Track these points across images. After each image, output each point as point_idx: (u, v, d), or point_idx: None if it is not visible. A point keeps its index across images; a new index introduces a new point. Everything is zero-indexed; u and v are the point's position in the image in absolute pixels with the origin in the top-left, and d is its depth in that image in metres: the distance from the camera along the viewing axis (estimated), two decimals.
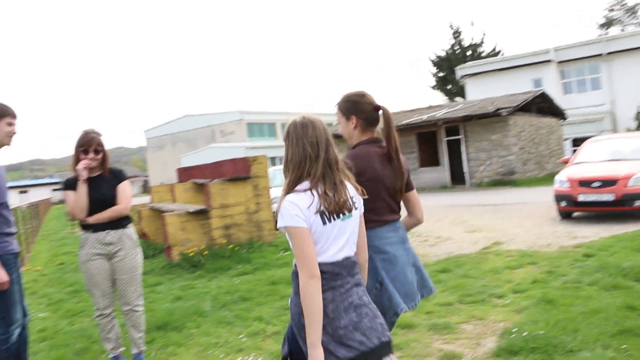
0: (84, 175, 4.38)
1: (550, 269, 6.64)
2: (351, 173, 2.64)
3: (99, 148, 4.47)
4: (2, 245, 3.85)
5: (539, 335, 4.21)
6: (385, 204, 3.01)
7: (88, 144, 4.43)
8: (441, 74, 48.69)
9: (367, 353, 2.36)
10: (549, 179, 21.12)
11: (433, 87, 50.13)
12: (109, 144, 4.68)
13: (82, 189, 4.38)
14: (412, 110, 28.94)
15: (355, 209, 2.54)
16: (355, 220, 2.54)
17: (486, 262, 7.44)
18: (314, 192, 2.41)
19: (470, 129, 23.70)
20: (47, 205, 41.55)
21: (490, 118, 22.83)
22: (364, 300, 2.48)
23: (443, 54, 48.41)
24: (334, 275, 2.42)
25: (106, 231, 4.43)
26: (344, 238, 2.48)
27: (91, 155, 4.42)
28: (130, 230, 4.59)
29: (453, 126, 24.19)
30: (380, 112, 3.05)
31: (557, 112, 28.25)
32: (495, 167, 23.25)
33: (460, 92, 43.29)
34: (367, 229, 2.77)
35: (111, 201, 4.46)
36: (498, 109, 22.11)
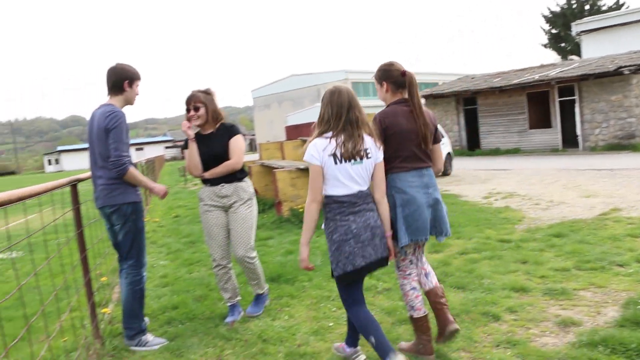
0: (189, 134, 4.57)
1: None
2: (376, 130, 3.45)
3: (197, 105, 4.60)
4: (137, 194, 4.27)
5: None
6: (411, 153, 3.55)
7: (188, 102, 4.62)
8: (554, 31, 45.88)
9: (376, 262, 3.29)
10: None
11: (545, 45, 47.42)
12: (218, 103, 4.75)
13: (191, 147, 4.58)
14: (523, 70, 27.62)
15: (368, 158, 3.30)
16: (366, 166, 3.30)
17: (604, 229, 7.07)
18: (333, 140, 3.24)
19: (587, 89, 22.26)
20: (161, 161, 43.86)
21: (609, 77, 21.31)
22: (377, 223, 3.32)
23: (557, 9, 45.49)
24: (352, 204, 3.25)
25: (221, 184, 4.62)
26: (357, 177, 3.27)
27: (191, 113, 4.59)
28: (245, 183, 4.71)
29: (567, 86, 22.82)
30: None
31: None
32: (612, 130, 21.80)
33: (576, 50, 40.62)
34: (394, 173, 3.53)
35: (223, 156, 4.59)
36: (619, 67, 20.57)
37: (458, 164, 19.99)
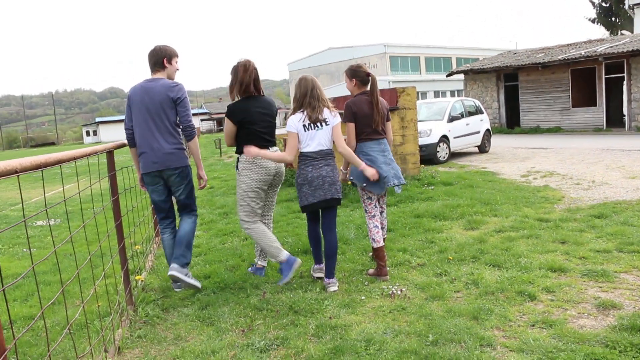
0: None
1: None
2: (347, 113, 4.88)
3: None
4: (187, 158, 4.83)
5: None
6: (371, 129, 4.92)
7: None
8: (605, 4, 44.13)
9: (323, 201, 4.56)
10: None
11: (592, 21, 45.69)
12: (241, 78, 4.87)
13: None
14: (568, 45, 26.73)
15: (327, 125, 4.63)
16: (326, 130, 4.63)
17: None
18: (303, 113, 4.59)
19: (638, 66, 21.37)
20: (197, 133, 44.17)
21: None
22: (329, 174, 4.58)
23: None
24: (313, 158, 4.58)
25: None
26: (318, 139, 4.59)
27: None
28: (238, 158, 4.93)
29: (616, 63, 22.01)
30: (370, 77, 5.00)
31: None
32: None
33: (628, 26, 39.00)
34: (361, 142, 4.91)
35: None
36: None
37: (496, 141, 19.61)
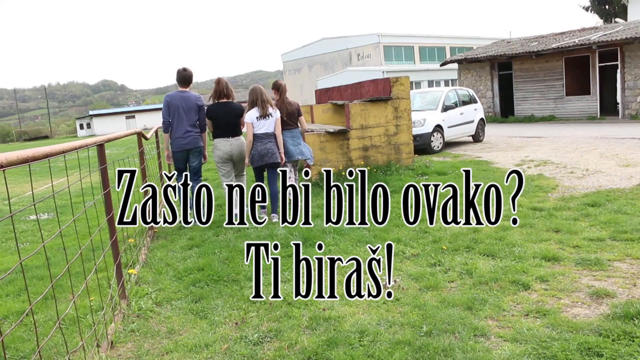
0: None
1: None
2: (275, 106, 7.24)
3: None
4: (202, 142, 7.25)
5: None
6: (285, 122, 7.45)
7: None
8: None
9: (268, 164, 7.00)
10: None
11: (586, 9, 45.58)
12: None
13: None
14: (562, 33, 26.68)
15: (271, 117, 6.94)
16: (270, 121, 6.94)
17: None
18: (257, 109, 6.94)
19: (631, 53, 21.36)
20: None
21: None
22: (271, 148, 6.95)
23: None
24: (261, 138, 6.93)
25: None
26: (267, 126, 6.94)
27: None
28: None
29: (609, 51, 21.98)
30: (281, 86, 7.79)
31: None
32: None
33: (622, 14, 38.94)
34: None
35: None
36: None
37: (491, 130, 19.60)
